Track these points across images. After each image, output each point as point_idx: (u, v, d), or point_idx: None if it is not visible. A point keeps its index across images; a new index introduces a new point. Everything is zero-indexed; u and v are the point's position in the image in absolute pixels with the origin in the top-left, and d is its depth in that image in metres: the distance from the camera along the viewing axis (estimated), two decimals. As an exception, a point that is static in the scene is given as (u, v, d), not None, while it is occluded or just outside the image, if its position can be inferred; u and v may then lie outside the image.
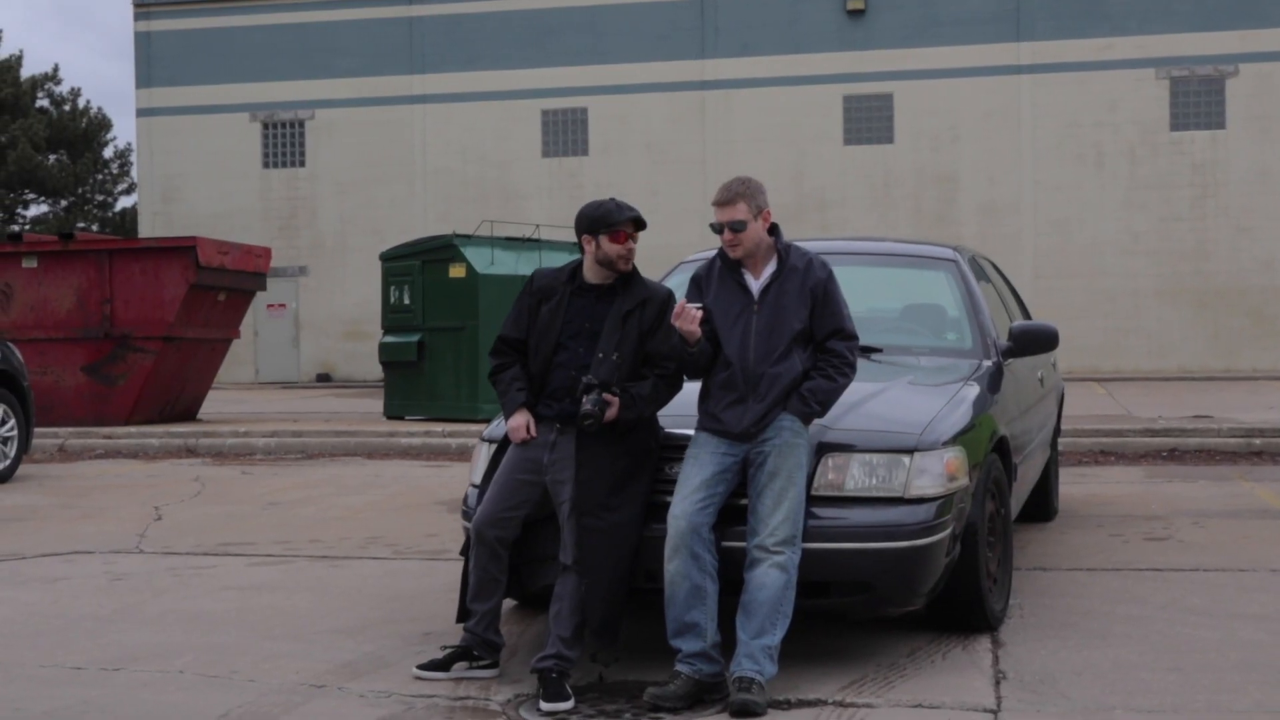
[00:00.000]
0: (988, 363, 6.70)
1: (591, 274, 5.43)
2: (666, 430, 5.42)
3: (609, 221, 5.32)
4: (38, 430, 15.26)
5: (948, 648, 5.66)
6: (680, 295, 5.41)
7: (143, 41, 34.30)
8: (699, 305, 5.20)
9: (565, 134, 32.28)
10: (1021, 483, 6.98)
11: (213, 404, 21.28)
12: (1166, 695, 4.93)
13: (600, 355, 5.31)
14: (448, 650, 5.43)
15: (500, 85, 32.38)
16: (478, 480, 5.72)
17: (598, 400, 5.10)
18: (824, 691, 5.05)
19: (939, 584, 5.53)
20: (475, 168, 32.41)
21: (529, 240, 19.53)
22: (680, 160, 31.55)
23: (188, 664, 5.48)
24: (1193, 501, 9.66)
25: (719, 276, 5.42)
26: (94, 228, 47.56)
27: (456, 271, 17.62)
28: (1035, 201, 30.36)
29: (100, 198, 48.98)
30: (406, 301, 18.17)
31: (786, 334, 5.28)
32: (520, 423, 5.40)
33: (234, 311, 18.44)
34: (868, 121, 31.03)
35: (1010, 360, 6.95)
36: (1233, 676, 5.14)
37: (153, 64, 34.14)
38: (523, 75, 32.26)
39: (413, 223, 31.20)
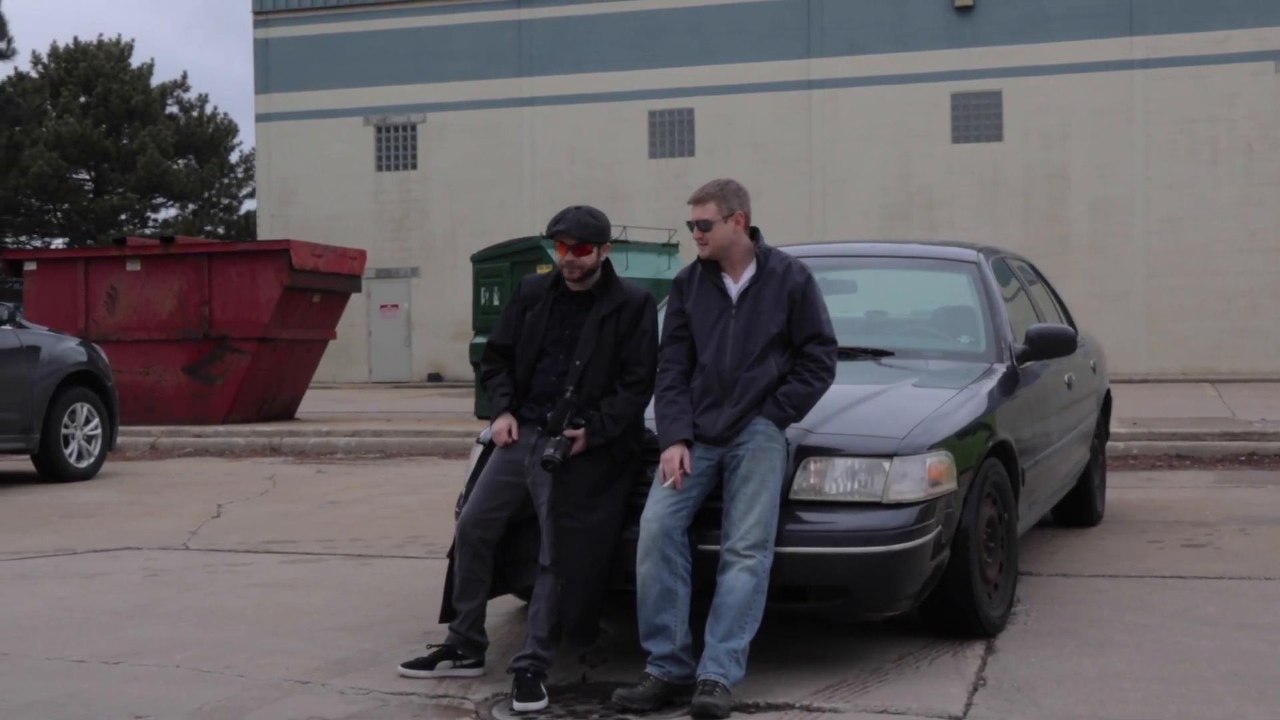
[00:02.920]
0: (1000, 366, 6.63)
1: (569, 281, 5.52)
2: (649, 434, 5.47)
3: (548, 229, 5.43)
4: (132, 429, 15.75)
5: (938, 654, 5.62)
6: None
7: (261, 48, 35.08)
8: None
9: (671, 135, 32.37)
10: (1042, 487, 6.91)
11: (319, 403, 21.77)
12: (1140, 705, 4.86)
13: (578, 362, 5.38)
14: (433, 649, 5.53)
15: (607, 87, 32.56)
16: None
17: (560, 443, 5.20)
18: (795, 696, 5.06)
19: (925, 589, 5.50)
20: (582, 169, 32.63)
21: (617, 241, 19.62)
22: (786, 160, 31.46)
23: (186, 659, 5.65)
24: (1250, 508, 9.45)
25: (699, 280, 5.46)
26: (220, 230, 48.76)
27: (543, 272, 17.76)
28: (1148, 199, 29.77)
29: (226, 201, 50.19)
30: (496, 303, 18.40)
31: (763, 338, 5.30)
32: (503, 426, 5.50)
33: (329, 313, 18.81)
34: (976, 119, 30.67)
35: (1028, 364, 6.88)
36: (1215, 687, 5.05)
37: (271, 70, 34.89)
38: (629, 76, 32.41)
39: (521, 224, 31.50)
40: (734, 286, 5.40)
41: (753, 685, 5.17)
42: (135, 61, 48.39)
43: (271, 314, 17.30)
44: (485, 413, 18.50)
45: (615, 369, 5.41)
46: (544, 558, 5.31)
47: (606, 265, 5.60)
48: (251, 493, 11.14)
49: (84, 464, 12.28)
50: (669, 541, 5.13)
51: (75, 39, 48.39)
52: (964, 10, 30.51)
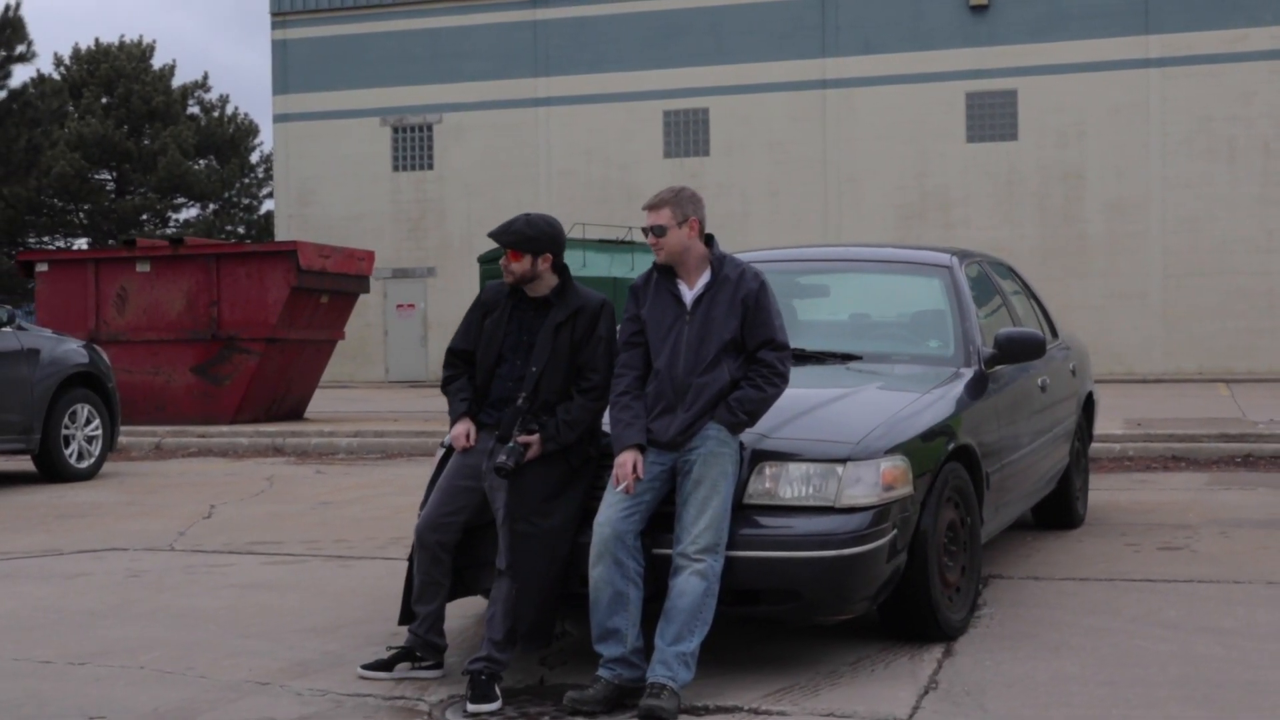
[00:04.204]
0: (967, 371, 6.66)
1: (526, 287, 5.58)
2: (607, 438, 5.52)
3: (495, 237, 5.52)
4: (138, 429, 15.89)
5: (895, 657, 5.66)
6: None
7: (279, 49, 35.24)
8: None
9: (687, 135, 32.40)
10: (1010, 491, 6.93)
11: (332, 403, 21.91)
12: (1085, 708, 4.89)
13: (534, 369, 5.44)
14: (393, 651, 5.60)
15: (623, 87, 32.61)
16: (435, 485, 5.89)
17: (513, 450, 5.25)
18: (745, 699, 5.10)
19: (881, 593, 5.54)
20: (599, 169, 32.69)
21: (622, 243, 19.72)
22: (802, 160, 31.46)
23: (151, 660, 5.73)
24: (1235, 510, 9.44)
25: (655, 286, 5.51)
26: (240, 230, 49.00)
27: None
28: (1164, 198, 29.66)
29: (247, 201, 50.41)
30: (503, 303, 18.46)
31: (716, 344, 5.34)
32: (461, 431, 5.57)
33: (337, 313, 18.91)
34: (991, 118, 30.61)
35: (998, 368, 6.91)
36: (1161, 691, 5.07)
37: (289, 71, 35.05)
38: (645, 76, 32.45)
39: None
40: (689, 293, 5.44)
41: (705, 687, 5.21)
42: (157, 63, 48.67)
43: (279, 314, 17.41)
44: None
45: (571, 375, 5.46)
46: (500, 561, 5.37)
47: (564, 272, 5.65)
48: (247, 493, 11.23)
49: (84, 464, 12.40)
50: (621, 545, 5.18)
51: (97, 40, 48.80)
52: (979, 9, 30.45)
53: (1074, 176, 30.19)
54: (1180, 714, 4.81)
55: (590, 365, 5.45)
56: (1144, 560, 7.61)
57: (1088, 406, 9.12)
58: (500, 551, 5.37)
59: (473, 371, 5.67)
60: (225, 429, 16.04)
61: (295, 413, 18.67)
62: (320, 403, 20.92)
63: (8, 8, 36.43)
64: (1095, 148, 29.99)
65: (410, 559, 5.66)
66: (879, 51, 31.08)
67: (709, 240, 5.51)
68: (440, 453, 5.94)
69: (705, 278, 5.46)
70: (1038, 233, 30.26)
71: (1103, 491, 10.47)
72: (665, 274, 5.50)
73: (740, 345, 5.39)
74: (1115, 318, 29.85)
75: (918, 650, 5.74)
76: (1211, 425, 13.46)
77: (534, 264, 5.54)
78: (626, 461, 5.23)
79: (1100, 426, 13.80)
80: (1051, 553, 7.88)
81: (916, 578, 5.71)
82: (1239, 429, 13.04)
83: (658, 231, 5.41)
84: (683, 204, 5.42)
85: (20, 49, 34.66)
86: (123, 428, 15.64)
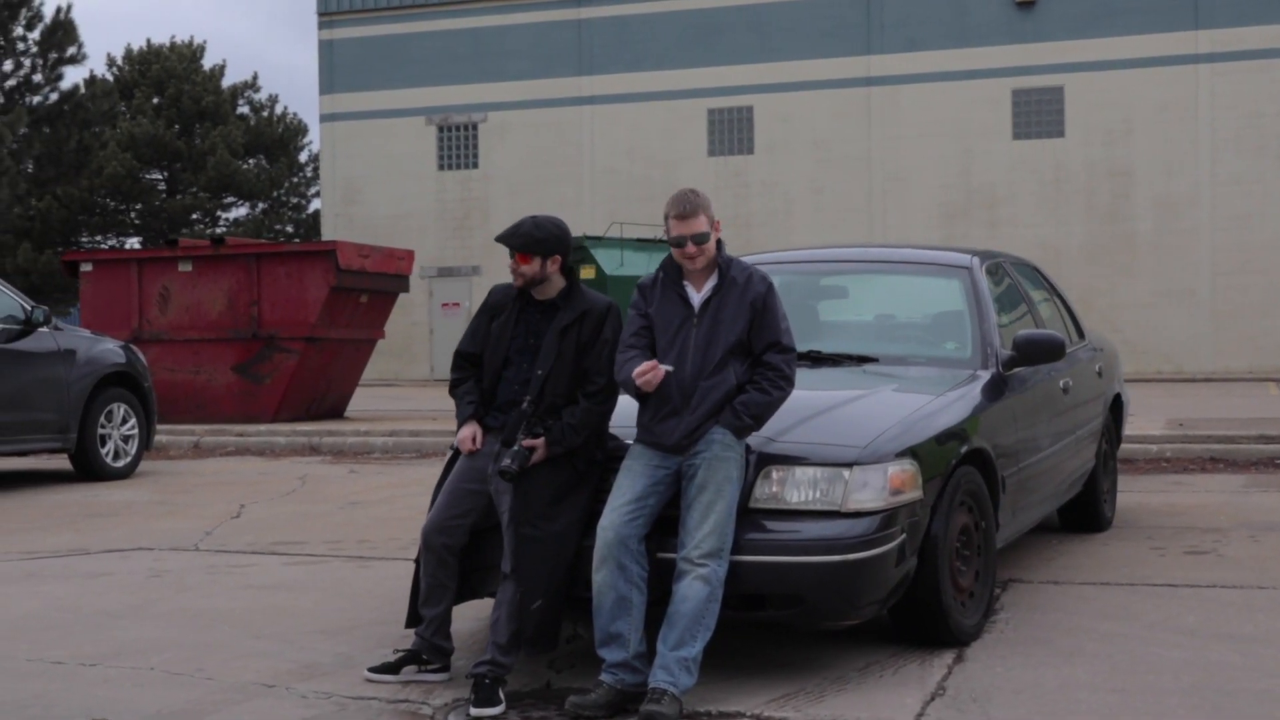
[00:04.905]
0: (984, 373, 6.60)
1: (534, 290, 5.56)
2: (615, 441, 5.51)
3: (503, 240, 5.48)
4: (176, 427, 16.01)
5: (905, 663, 5.61)
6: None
7: (326, 49, 35.45)
8: (666, 368, 5.25)
9: (730, 133, 32.34)
10: (1029, 494, 6.85)
11: (375, 401, 22.01)
12: (1090, 717, 4.83)
13: (540, 372, 5.42)
14: (399, 654, 5.60)
15: (666, 85, 32.60)
16: (445, 488, 5.88)
17: (517, 454, 5.23)
18: (748, 704, 5.07)
19: (890, 598, 5.49)
20: (641, 167, 32.68)
21: (659, 241, 19.70)
22: (845, 158, 31.34)
23: (162, 661, 5.75)
24: (1270, 514, 9.30)
25: (662, 288, 5.47)
26: (289, 229, 49.33)
27: (586, 273, 17.90)
28: (1213, 195, 29.35)
29: (295, 200, 50.75)
30: (541, 302, 18.47)
31: (723, 347, 5.30)
32: (467, 434, 5.56)
33: (377, 313, 18.98)
34: (1037, 115, 30.38)
35: (1017, 370, 6.84)
36: (1171, 700, 5.00)
37: (335, 71, 35.25)
38: (688, 75, 32.42)
39: (580, 222, 31.58)
40: (696, 296, 5.41)
41: (710, 692, 5.19)
42: (207, 63, 49.08)
43: (319, 314, 17.49)
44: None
45: (578, 379, 5.44)
46: (505, 565, 5.36)
47: (571, 274, 5.64)
48: (278, 493, 11.29)
49: (121, 463, 12.50)
50: (624, 549, 5.15)
51: (148, 41, 49.25)
52: (1025, 6, 30.24)
53: (1122, 174, 29.92)
54: (1185, 724, 4.74)
55: (596, 369, 5.43)
56: (1168, 564, 7.52)
57: (1116, 408, 9.01)
58: (505, 555, 5.36)
59: (480, 374, 5.66)
60: (262, 428, 16.13)
61: (336, 411, 18.76)
62: (363, 401, 21.01)
63: (59, 10, 36.88)
64: (1143, 145, 29.71)
65: (417, 562, 5.66)
66: (923, 49, 30.92)
67: (716, 243, 5.48)
68: (448, 455, 5.94)
69: (713, 280, 5.42)
70: (1085, 231, 30.01)
71: (1135, 494, 10.36)
72: (672, 275, 5.46)
73: (747, 348, 5.35)
74: (1164, 316, 29.57)
75: (929, 656, 5.69)
76: (1251, 426, 13.29)
77: (543, 266, 5.53)
78: (646, 370, 5.19)
79: (1140, 427, 13.71)
80: (1074, 556, 7.80)
81: (927, 582, 5.65)
82: (1278, 429, 12.85)
83: (700, 240, 5.31)
84: (708, 207, 5.37)
85: (71, 51, 35.09)
86: (162, 426, 15.78)
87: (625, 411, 5.54)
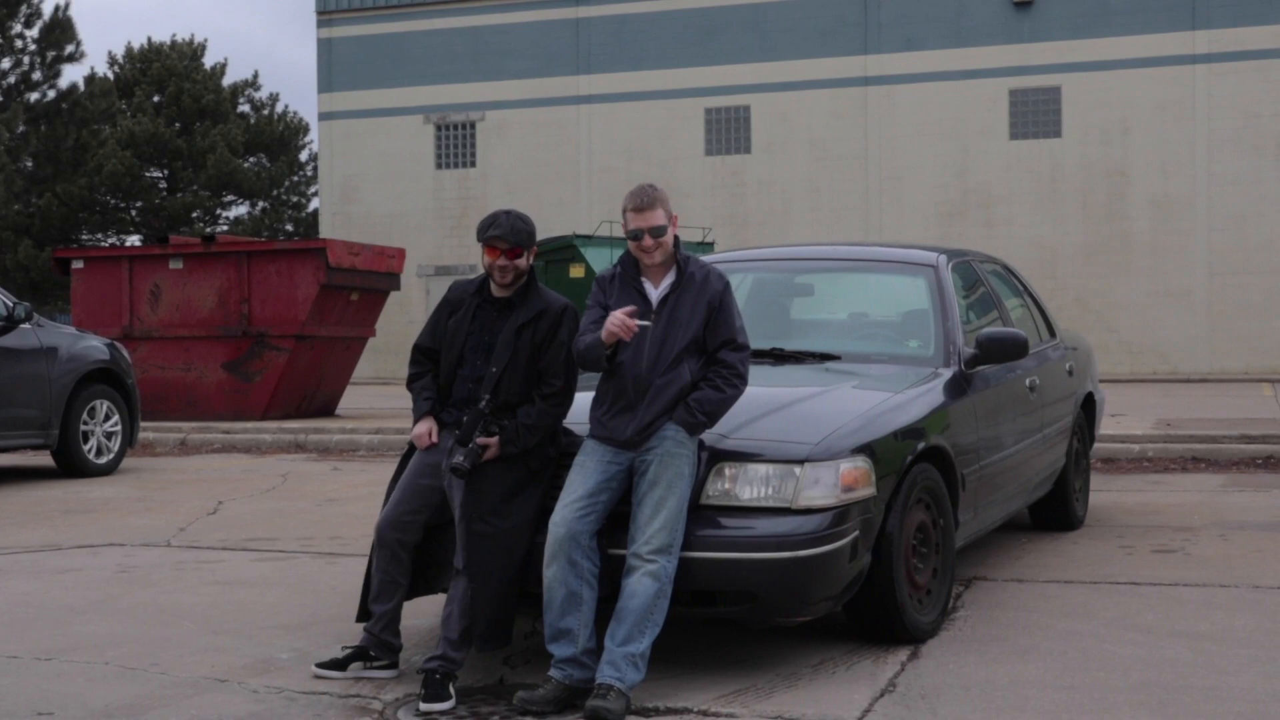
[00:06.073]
0: (946, 371, 6.60)
1: (493, 286, 5.56)
2: (569, 438, 5.51)
3: (479, 234, 5.47)
4: (163, 425, 16.02)
5: (859, 660, 5.61)
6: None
7: (324, 48, 35.48)
8: (643, 324, 5.25)
9: (728, 132, 32.34)
10: (992, 492, 6.85)
11: (369, 399, 22.02)
12: (1035, 714, 4.83)
13: (494, 369, 5.42)
14: (347, 650, 5.60)
15: (664, 84, 32.61)
16: (400, 484, 5.89)
17: (470, 451, 5.23)
18: (697, 700, 5.07)
19: (844, 594, 5.50)
20: (639, 167, 32.68)
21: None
22: (843, 157, 31.33)
23: (118, 656, 5.76)
24: (1244, 513, 9.30)
25: (620, 283, 5.47)
26: (289, 228, 49.37)
27: (576, 271, 17.89)
28: (1210, 196, 29.32)
29: (295, 199, 50.79)
30: (532, 301, 18.49)
31: (678, 344, 5.31)
32: (423, 430, 5.56)
33: (367, 311, 18.98)
34: (1034, 115, 30.37)
35: (981, 368, 6.84)
36: (1118, 697, 5.00)
37: (334, 69, 35.28)
38: (686, 74, 32.43)
39: (578, 221, 31.61)
40: (654, 292, 5.40)
41: (660, 689, 5.19)
42: (208, 61, 49.15)
43: (309, 312, 17.49)
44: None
45: (532, 378, 5.44)
46: (457, 560, 5.36)
47: (530, 272, 5.64)
48: (257, 490, 11.30)
49: (103, 459, 12.51)
50: (575, 545, 5.16)
51: (149, 39, 49.24)
52: (1023, 5, 30.22)
53: (1118, 174, 29.90)
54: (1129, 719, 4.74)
55: (552, 371, 5.43)
56: (1134, 563, 7.52)
57: (1089, 407, 9.00)
58: (457, 550, 5.36)
59: (437, 370, 5.66)
60: (249, 425, 16.14)
61: (326, 409, 18.76)
62: (356, 399, 21.02)
63: (57, 8, 36.92)
64: (1140, 145, 29.70)
65: (370, 557, 5.66)
66: (921, 48, 30.92)
67: (674, 239, 5.48)
68: (404, 451, 5.94)
69: (670, 276, 5.42)
70: (1081, 230, 30.00)
71: (1112, 493, 10.35)
72: (630, 272, 5.46)
73: (702, 346, 5.35)
74: (1160, 316, 29.55)
75: (884, 653, 5.69)
76: (1236, 426, 13.27)
77: (528, 258, 5.55)
78: (617, 318, 5.16)
79: (1126, 426, 13.70)
80: (1042, 555, 7.79)
81: (882, 580, 5.65)
82: (1261, 430, 12.84)
83: (658, 233, 5.32)
84: (665, 201, 5.38)
85: (69, 48, 35.11)
86: (149, 424, 15.81)
87: (579, 407, 5.55)
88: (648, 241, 5.34)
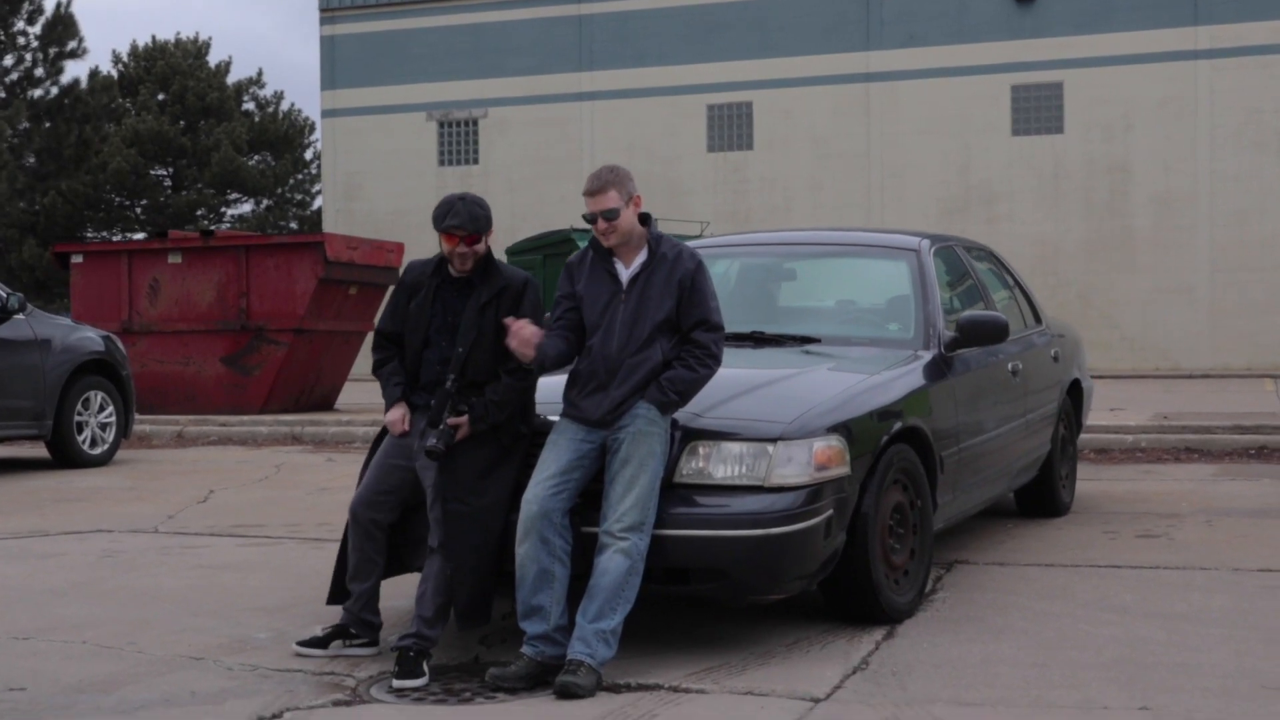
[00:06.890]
0: (925, 354, 6.61)
1: (451, 267, 5.56)
2: (542, 417, 5.53)
3: (436, 223, 5.46)
4: (160, 417, 16.06)
5: (834, 639, 5.62)
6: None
7: (327, 45, 35.52)
8: (546, 327, 5.30)
9: (730, 129, 32.34)
10: (972, 475, 6.85)
11: (367, 393, 21.83)
12: (1004, 689, 4.84)
13: (460, 350, 5.43)
14: (328, 629, 5.62)
15: (666, 81, 32.61)
16: (375, 465, 5.90)
17: (442, 433, 5.25)
18: (668, 677, 5.08)
19: (819, 573, 5.51)
20: (641, 163, 32.63)
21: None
22: (845, 154, 31.31)
23: (96, 636, 5.78)
24: (1232, 501, 9.29)
25: (590, 265, 5.50)
26: (293, 225, 49.42)
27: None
28: (1212, 192, 29.26)
29: (299, 197, 50.85)
30: (530, 295, 18.52)
31: (650, 323, 5.33)
32: (397, 416, 5.58)
33: (366, 305, 18.98)
34: (1036, 111, 30.33)
35: (962, 351, 6.84)
36: (1087, 674, 5.01)
37: (337, 66, 35.32)
38: (689, 71, 32.42)
39: (580, 218, 31.56)
40: (625, 272, 5.43)
41: (632, 665, 5.21)
42: (213, 59, 49.22)
43: (307, 306, 17.50)
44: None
45: (498, 355, 5.45)
46: (432, 539, 5.38)
47: (486, 251, 5.63)
48: (249, 480, 11.33)
49: (98, 450, 12.54)
50: (548, 523, 5.17)
51: (153, 37, 49.32)
52: (1024, 1, 30.18)
53: (1120, 170, 29.86)
54: (1098, 694, 4.75)
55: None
56: (1117, 547, 7.52)
57: (1075, 394, 9.00)
58: (432, 530, 5.38)
59: (403, 354, 5.67)
60: (246, 418, 16.16)
61: (325, 403, 18.79)
62: (355, 393, 21.01)
63: (59, 5, 36.98)
64: (1142, 141, 29.64)
65: (344, 538, 5.68)
66: (923, 44, 30.89)
67: (645, 219, 5.49)
68: (376, 433, 5.96)
69: (642, 256, 5.44)
70: (1083, 227, 29.96)
71: (1102, 482, 10.35)
72: (601, 253, 5.49)
73: (674, 325, 5.37)
74: (1162, 312, 29.50)
75: (859, 632, 5.70)
76: (1227, 417, 13.26)
77: (486, 241, 5.56)
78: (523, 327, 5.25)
79: (1122, 418, 13.70)
80: (1025, 539, 7.80)
81: (857, 559, 5.67)
82: (1254, 421, 12.83)
83: (610, 215, 5.36)
84: (624, 183, 5.40)
85: (72, 45, 35.18)
86: (145, 416, 15.84)
87: (552, 387, 5.57)
88: (601, 225, 5.40)
